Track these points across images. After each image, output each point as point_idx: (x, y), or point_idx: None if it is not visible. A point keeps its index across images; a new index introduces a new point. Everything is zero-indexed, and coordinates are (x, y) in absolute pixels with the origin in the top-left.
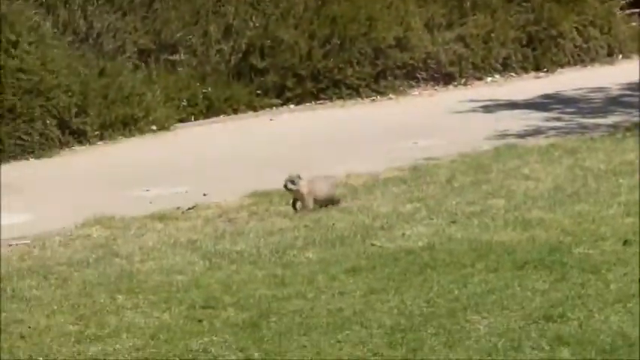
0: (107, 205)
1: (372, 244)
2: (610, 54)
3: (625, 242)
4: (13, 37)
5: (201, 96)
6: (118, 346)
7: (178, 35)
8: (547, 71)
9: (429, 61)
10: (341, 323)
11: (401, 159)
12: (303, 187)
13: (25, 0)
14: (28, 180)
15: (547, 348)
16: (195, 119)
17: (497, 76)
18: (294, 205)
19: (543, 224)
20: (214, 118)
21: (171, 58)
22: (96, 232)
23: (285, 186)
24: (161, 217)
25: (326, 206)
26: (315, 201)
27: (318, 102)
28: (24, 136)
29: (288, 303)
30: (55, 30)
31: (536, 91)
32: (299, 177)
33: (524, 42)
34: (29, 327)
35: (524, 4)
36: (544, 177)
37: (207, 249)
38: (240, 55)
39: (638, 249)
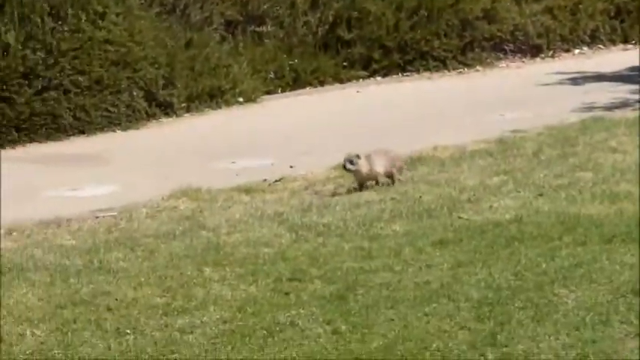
0: (194, 178)
1: (459, 217)
2: None
3: None
4: (100, 9)
5: (287, 68)
6: (205, 318)
7: (265, 7)
8: (635, 43)
9: (516, 33)
10: (428, 296)
11: (488, 131)
12: (363, 166)
13: None
14: (115, 152)
15: (635, 322)
16: (282, 91)
17: (584, 48)
18: (360, 187)
19: (631, 197)
20: (301, 90)
21: (258, 29)
22: (182, 204)
23: (344, 166)
24: (247, 190)
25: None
26: (371, 177)
27: (405, 74)
28: (111, 108)
29: (375, 276)
30: (143, 1)
31: (624, 63)
32: (357, 156)
33: (612, 14)
34: (116, 299)
35: None
36: (631, 150)
37: (294, 221)
38: (327, 26)
39: None
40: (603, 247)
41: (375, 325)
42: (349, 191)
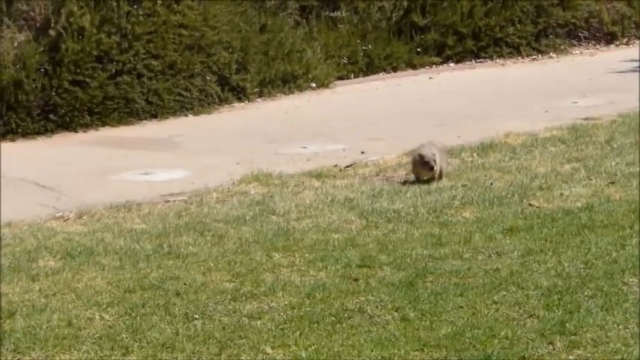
0: (265, 162)
1: (530, 205)
2: None
3: None
4: None
5: (361, 53)
6: (273, 304)
7: None
8: None
9: (590, 19)
10: (497, 284)
11: (560, 118)
12: (438, 165)
13: None
14: (187, 136)
15: None
16: (355, 77)
17: None
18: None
19: None
20: (373, 76)
21: (332, 14)
22: (253, 189)
23: (427, 164)
24: (318, 175)
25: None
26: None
27: (478, 60)
28: (183, 92)
29: (445, 263)
30: None
31: None
32: (433, 154)
33: None
34: (185, 284)
35: None
36: None
37: (364, 207)
38: (401, 12)
39: None
40: None
41: (444, 313)
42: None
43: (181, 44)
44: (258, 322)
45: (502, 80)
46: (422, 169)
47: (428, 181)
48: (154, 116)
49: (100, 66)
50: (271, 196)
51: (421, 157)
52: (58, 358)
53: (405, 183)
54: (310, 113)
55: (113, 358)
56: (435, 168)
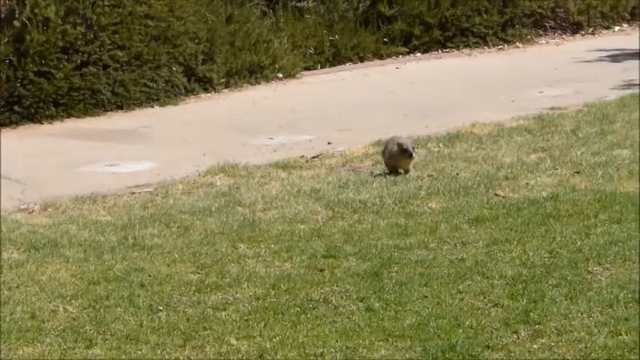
0: (231, 153)
1: (496, 194)
2: None
3: None
4: None
5: (328, 44)
6: (238, 295)
7: None
8: None
9: (556, 9)
10: (462, 274)
11: (526, 108)
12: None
13: None
14: (153, 128)
15: None
16: (322, 67)
17: (625, 25)
18: (396, 171)
19: None
20: (340, 66)
21: (299, 4)
22: (219, 181)
23: (408, 152)
24: (285, 166)
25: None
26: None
27: (445, 50)
28: (149, 83)
29: (410, 253)
30: None
31: None
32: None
33: None
34: (150, 275)
35: None
36: None
37: (330, 198)
38: (367, 2)
39: None
40: (639, 224)
41: (409, 303)
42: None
43: (147, 35)
44: (223, 313)
45: (469, 70)
46: (402, 158)
47: (402, 173)
48: (120, 107)
49: (66, 57)
50: (237, 187)
51: (400, 145)
52: (21, 351)
53: (371, 173)
54: (277, 104)
55: (77, 350)
56: (414, 156)
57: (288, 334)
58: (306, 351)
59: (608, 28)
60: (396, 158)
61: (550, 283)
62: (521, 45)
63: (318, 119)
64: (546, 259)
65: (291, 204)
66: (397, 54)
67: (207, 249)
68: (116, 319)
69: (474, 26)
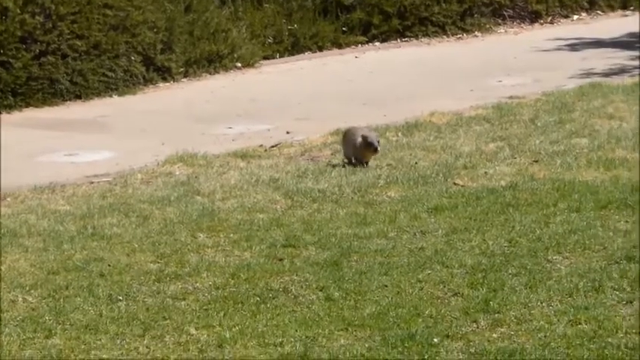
0: (190, 143)
1: (455, 183)
2: None
3: None
4: None
5: (286, 33)
6: (197, 284)
7: None
8: (634, 9)
9: None
10: (422, 263)
11: (485, 97)
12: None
13: None
14: (112, 117)
15: (628, 289)
16: (280, 56)
17: (583, 14)
18: (360, 162)
19: (627, 164)
20: (299, 55)
21: None
22: (178, 170)
23: (374, 146)
24: (243, 155)
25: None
26: None
27: (404, 39)
28: (108, 73)
29: (369, 242)
30: None
31: (623, 29)
32: (377, 136)
33: None
34: (109, 265)
35: None
36: (628, 116)
37: (289, 187)
38: None
39: None
40: (598, 213)
41: (369, 292)
42: None
43: (106, 24)
44: (183, 302)
45: (427, 59)
46: (366, 151)
47: (364, 163)
48: (79, 97)
49: (24, 46)
50: (196, 177)
51: (365, 138)
52: None
53: (330, 162)
54: (236, 93)
55: (36, 340)
56: (379, 150)
57: (247, 323)
58: (266, 340)
59: (566, 17)
60: (360, 150)
61: (509, 272)
62: (480, 34)
63: (277, 108)
64: (506, 248)
65: (250, 193)
66: (356, 43)
67: (166, 238)
68: (75, 308)
69: (432, 15)
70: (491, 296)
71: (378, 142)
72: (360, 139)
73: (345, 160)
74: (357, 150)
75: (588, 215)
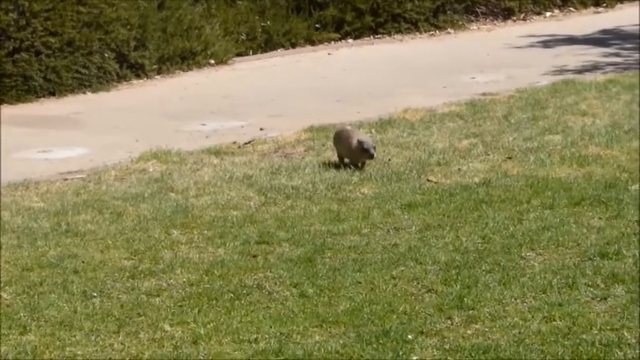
0: (164, 140)
1: (428, 180)
2: None
3: None
4: None
5: (259, 29)
6: (172, 281)
7: None
8: (606, 6)
9: None
10: (396, 259)
11: (458, 94)
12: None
13: None
14: (86, 114)
15: (602, 285)
16: (254, 53)
17: (556, 11)
18: (354, 165)
19: (600, 160)
20: (272, 52)
21: None
22: (152, 167)
23: (371, 153)
24: (217, 152)
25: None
26: None
27: (377, 36)
28: (82, 70)
29: (343, 238)
30: None
31: (595, 26)
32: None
33: None
34: (83, 262)
35: None
36: (601, 113)
37: (263, 184)
38: None
39: None
40: (571, 210)
41: (342, 288)
42: (319, 154)
43: (79, 21)
44: (157, 299)
45: (400, 56)
46: (361, 156)
47: (357, 166)
48: (53, 94)
49: None
50: (170, 174)
51: (360, 143)
52: None
53: (303, 158)
54: (209, 90)
55: (11, 336)
56: (375, 156)
57: (222, 320)
58: (240, 337)
59: (539, 13)
60: (355, 154)
61: (483, 268)
62: (452, 31)
63: (251, 105)
64: (479, 244)
65: (223, 190)
66: (329, 40)
67: (140, 235)
68: (50, 305)
69: (405, 12)
70: (465, 293)
71: (374, 147)
72: (355, 143)
73: (340, 161)
74: (352, 153)
75: (562, 212)
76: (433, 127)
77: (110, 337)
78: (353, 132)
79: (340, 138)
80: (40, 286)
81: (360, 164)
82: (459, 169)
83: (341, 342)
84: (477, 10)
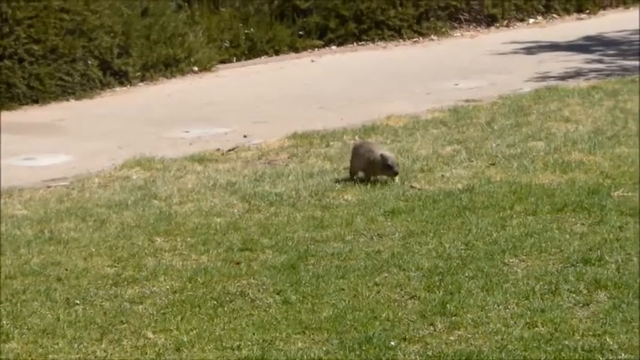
0: (147, 147)
1: (412, 187)
2: None
3: None
4: None
5: (243, 37)
6: (155, 288)
7: None
8: (589, 13)
9: (471, 2)
10: (379, 266)
11: (442, 101)
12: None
13: None
14: (69, 121)
15: (585, 291)
16: (237, 60)
17: (539, 17)
18: (367, 179)
19: (583, 167)
20: (256, 59)
21: None
22: (135, 174)
23: (394, 169)
24: (201, 159)
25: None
26: None
27: (360, 43)
28: (65, 77)
29: (327, 245)
30: None
31: (578, 32)
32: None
33: None
34: (66, 269)
35: None
36: (584, 119)
37: (247, 191)
38: None
39: None
40: (554, 216)
41: (326, 295)
42: (302, 161)
43: (63, 29)
44: (140, 306)
45: (384, 63)
46: (383, 170)
47: (372, 180)
48: (36, 101)
49: None
50: (153, 181)
51: (384, 158)
52: None
53: (287, 165)
54: (193, 97)
55: None
56: (398, 173)
57: (205, 327)
58: (223, 344)
59: (522, 20)
60: (376, 169)
61: (466, 274)
62: (436, 38)
63: (234, 112)
64: (462, 251)
65: (207, 197)
66: (313, 47)
67: (123, 242)
68: (33, 313)
69: (389, 19)
70: (448, 299)
71: (397, 165)
72: (378, 157)
73: (355, 176)
74: (372, 167)
75: (544, 218)
76: (416, 133)
77: (93, 345)
78: (374, 146)
79: (358, 151)
80: (23, 294)
81: (375, 179)
82: (442, 175)
83: (324, 349)
84: (461, 16)
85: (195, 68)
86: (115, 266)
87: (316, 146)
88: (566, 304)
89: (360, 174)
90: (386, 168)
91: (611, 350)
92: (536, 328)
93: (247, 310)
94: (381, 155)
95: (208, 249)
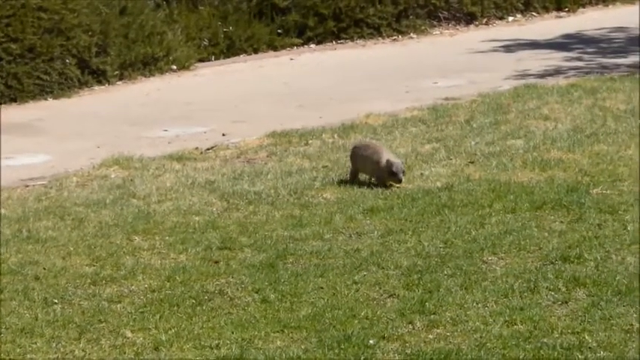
0: (125, 146)
1: (390, 185)
2: None
3: None
4: None
5: (222, 35)
6: (133, 287)
7: None
8: (568, 11)
9: (450, 0)
10: (358, 264)
11: (421, 99)
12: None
13: None
14: (47, 120)
15: (563, 289)
16: (216, 59)
17: (518, 15)
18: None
19: (562, 165)
20: (235, 58)
21: None
22: (114, 173)
23: (399, 177)
24: (179, 158)
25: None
26: None
27: (339, 41)
28: (43, 76)
29: (305, 244)
30: None
31: (558, 30)
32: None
33: None
34: (44, 268)
35: None
36: (563, 117)
37: (225, 190)
38: None
39: None
40: (533, 214)
41: (304, 294)
42: (281, 159)
43: (40, 27)
44: (118, 305)
45: (363, 61)
46: (388, 178)
47: (376, 183)
48: (14, 100)
49: None
50: (132, 180)
51: (390, 165)
52: None
53: (266, 164)
54: (171, 96)
55: None
56: (402, 181)
57: (183, 326)
58: (202, 343)
59: (501, 18)
60: (381, 173)
61: (445, 273)
62: (415, 36)
63: (213, 111)
64: (441, 249)
65: (185, 196)
66: (291, 45)
67: (101, 241)
68: (11, 312)
69: (368, 17)
70: (427, 297)
71: (404, 172)
72: (384, 162)
73: (353, 177)
74: (378, 170)
75: (523, 216)
76: (395, 131)
77: (71, 344)
78: (381, 148)
79: (363, 153)
80: (1, 294)
81: (378, 183)
82: (421, 173)
83: (302, 347)
84: (440, 14)
85: (174, 67)
86: (94, 265)
87: (295, 145)
88: (545, 301)
89: (363, 176)
90: (391, 175)
91: (589, 348)
92: (515, 326)
93: (226, 309)
94: (388, 161)
95: (187, 248)
